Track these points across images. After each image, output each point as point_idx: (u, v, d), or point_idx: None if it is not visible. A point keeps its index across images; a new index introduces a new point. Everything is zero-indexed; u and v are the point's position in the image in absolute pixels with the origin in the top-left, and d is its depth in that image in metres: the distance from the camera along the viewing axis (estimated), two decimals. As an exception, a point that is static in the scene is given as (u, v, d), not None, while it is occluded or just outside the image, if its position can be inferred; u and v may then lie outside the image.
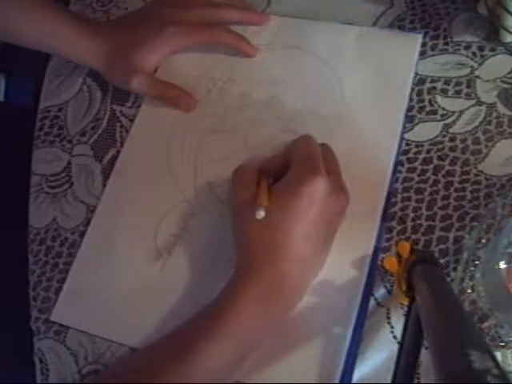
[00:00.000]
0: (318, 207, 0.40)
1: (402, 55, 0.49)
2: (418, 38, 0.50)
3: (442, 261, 0.42)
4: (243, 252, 0.41)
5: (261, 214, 0.39)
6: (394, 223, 0.44)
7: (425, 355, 0.36)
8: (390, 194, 0.45)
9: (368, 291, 0.42)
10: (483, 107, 0.46)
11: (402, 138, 0.47)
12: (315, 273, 0.42)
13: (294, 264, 0.39)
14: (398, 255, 0.39)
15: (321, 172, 0.40)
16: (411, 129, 0.47)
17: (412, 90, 0.48)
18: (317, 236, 0.40)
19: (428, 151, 0.46)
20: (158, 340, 0.40)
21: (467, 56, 0.48)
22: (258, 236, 0.40)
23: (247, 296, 0.38)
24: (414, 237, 0.43)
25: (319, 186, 0.39)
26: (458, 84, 0.47)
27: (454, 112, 0.47)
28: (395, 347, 0.40)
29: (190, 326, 0.40)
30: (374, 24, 0.52)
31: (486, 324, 0.39)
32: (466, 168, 0.44)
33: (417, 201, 0.44)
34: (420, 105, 0.48)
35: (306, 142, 0.44)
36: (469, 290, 0.40)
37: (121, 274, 0.47)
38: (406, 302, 0.37)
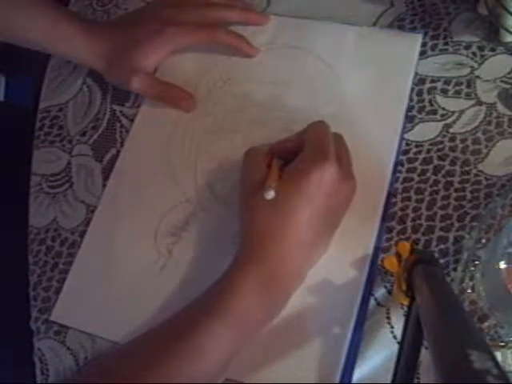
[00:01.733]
0: (326, 193, 0.40)
1: (402, 55, 0.49)
2: (418, 38, 0.50)
3: (441, 261, 0.42)
4: (247, 233, 0.42)
5: (270, 193, 0.39)
6: (393, 223, 0.44)
7: (425, 355, 0.36)
8: (390, 194, 0.45)
9: (368, 291, 0.42)
10: (483, 107, 0.46)
11: (402, 138, 0.47)
12: (315, 259, 0.42)
13: (295, 247, 0.40)
14: (398, 255, 0.39)
15: (331, 158, 0.40)
16: (411, 129, 0.47)
17: (412, 90, 0.48)
18: (321, 221, 0.40)
19: (428, 151, 0.46)
20: (158, 324, 0.40)
21: (467, 56, 0.48)
22: (263, 217, 0.40)
23: (248, 278, 0.39)
24: (414, 237, 0.43)
25: (328, 172, 0.39)
26: (458, 84, 0.47)
27: (454, 112, 0.47)
28: (395, 347, 0.40)
29: (191, 307, 0.40)
30: (374, 24, 0.52)
31: (486, 324, 0.39)
32: (466, 168, 0.44)
33: (417, 201, 0.44)
34: (420, 105, 0.48)
35: (319, 128, 0.43)
36: (469, 290, 0.40)
37: (121, 274, 0.47)
38: (406, 302, 0.37)
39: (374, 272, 0.43)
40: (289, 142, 0.45)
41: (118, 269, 0.47)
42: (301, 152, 0.42)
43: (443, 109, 0.47)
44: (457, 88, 0.47)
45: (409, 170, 0.46)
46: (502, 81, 0.47)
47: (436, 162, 0.45)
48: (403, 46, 0.50)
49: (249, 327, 0.39)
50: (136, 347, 0.40)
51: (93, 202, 0.51)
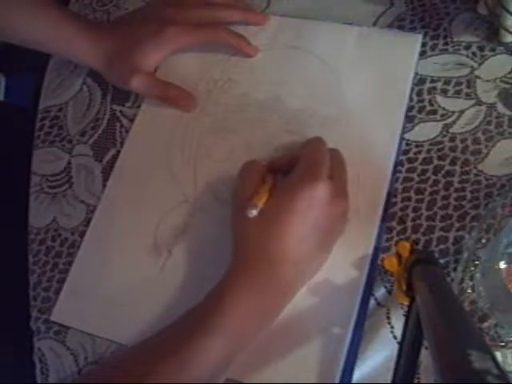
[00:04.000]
0: (316, 212, 0.40)
1: (402, 55, 0.49)
2: (418, 38, 0.50)
3: (441, 261, 0.42)
4: (238, 247, 0.42)
5: (252, 212, 0.39)
6: (394, 223, 0.44)
7: (425, 355, 0.36)
8: (390, 194, 0.45)
9: (368, 291, 0.42)
10: (483, 107, 0.46)
11: (401, 138, 0.47)
12: (311, 274, 0.42)
13: (287, 266, 0.40)
14: (398, 255, 0.39)
15: (322, 178, 0.40)
16: (411, 129, 0.47)
17: (412, 90, 0.48)
18: (313, 240, 0.40)
19: (428, 151, 0.46)
20: (151, 337, 0.40)
21: (467, 56, 0.48)
22: (252, 233, 0.40)
23: (240, 289, 0.39)
24: (414, 237, 0.43)
25: (319, 192, 0.39)
26: (458, 84, 0.47)
27: (454, 112, 0.47)
28: (395, 347, 0.40)
29: (186, 317, 0.40)
30: (374, 24, 0.52)
31: (485, 324, 0.39)
32: (466, 168, 0.44)
33: (417, 201, 0.44)
34: (420, 105, 0.48)
35: (314, 145, 0.43)
36: (469, 290, 0.40)
37: (121, 274, 0.47)
38: (406, 301, 0.37)
39: (374, 272, 0.43)
40: (286, 158, 0.45)
41: (118, 269, 0.47)
42: (294, 169, 0.42)
43: (443, 109, 0.47)
44: (457, 88, 0.47)
45: (409, 170, 0.46)
46: (502, 81, 0.47)
47: (436, 162, 0.45)
48: (403, 46, 0.50)
49: (243, 336, 0.39)
50: (131, 357, 0.40)
51: (93, 202, 0.51)
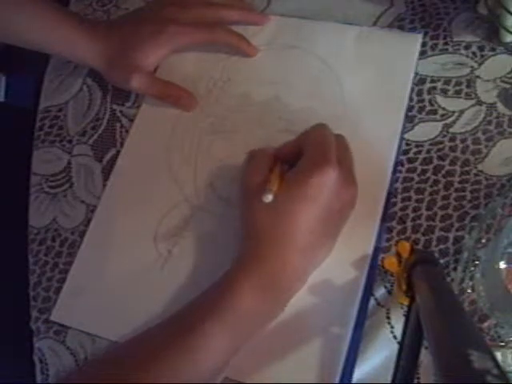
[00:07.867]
0: (327, 197, 0.40)
1: (402, 55, 0.49)
2: (418, 38, 0.50)
3: (441, 261, 0.42)
4: (247, 235, 0.42)
5: (268, 197, 0.39)
6: (394, 223, 0.44)
7: (425, 355, 0.36)
8: (390, 194, 0.45)
9: (368, 291, 0.42)
10: (483, 107, 0.46)
11: (402, 138, 0.47)
12: (316, 264, 0.42)
13: (296, 252, 0.40)
14: (398, 255, 0.39)
15: (332, 162, 0.40)
16: (411, 129, 0.47)
17: (412, 90, 0.48)
18: (323, 226, 0.40)
19: (428, 151, 0.46)
20: (156, 325, 0.40)
21: (467, 56, 0.48)
22: (263, 221, 0.40)
23: (247, 279, 0.39)
24: (413, 237, 0.43)
25: (329, 177, 0.39)
26: (458, 84, 0.47)
27: (454, 112, 0.47)
28: (395, 347, 0.40)
29: (190, 308, 0.40)
30: (374, 24, 0.52)
31: (485, 324, 0.39)
32: (466, 168, 0.44)
33: (417, 201, 0.44)
34: (420, 105, 0.48)
35: (320, 131, 0.43)
36: (469, 290, 0.40)
37: (121, 274, 0.47)
38: (406, 302, 0.37)
39: (374, 272, 0.43)
40: (291, 145, 0.45)
41: (118, 269, 0.47)
42: (302, 156, 0.42)
43: (443, 109, 0.47)
44: (457, 88, 0.47)
45: (409, 170, 0.46)
46: (502, 81, 0.47)
47: (436, 161, 0.45)
48: (403, 46, 0.50)
49: (248, 328, 0.39)
50: (133, 348, 0.40)
51: (93, 202, 0.51)
